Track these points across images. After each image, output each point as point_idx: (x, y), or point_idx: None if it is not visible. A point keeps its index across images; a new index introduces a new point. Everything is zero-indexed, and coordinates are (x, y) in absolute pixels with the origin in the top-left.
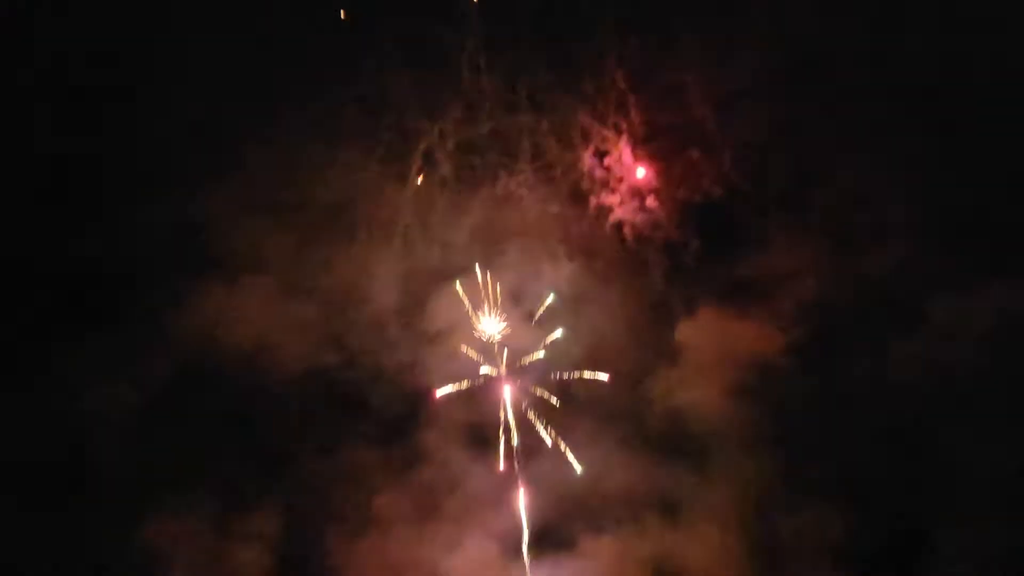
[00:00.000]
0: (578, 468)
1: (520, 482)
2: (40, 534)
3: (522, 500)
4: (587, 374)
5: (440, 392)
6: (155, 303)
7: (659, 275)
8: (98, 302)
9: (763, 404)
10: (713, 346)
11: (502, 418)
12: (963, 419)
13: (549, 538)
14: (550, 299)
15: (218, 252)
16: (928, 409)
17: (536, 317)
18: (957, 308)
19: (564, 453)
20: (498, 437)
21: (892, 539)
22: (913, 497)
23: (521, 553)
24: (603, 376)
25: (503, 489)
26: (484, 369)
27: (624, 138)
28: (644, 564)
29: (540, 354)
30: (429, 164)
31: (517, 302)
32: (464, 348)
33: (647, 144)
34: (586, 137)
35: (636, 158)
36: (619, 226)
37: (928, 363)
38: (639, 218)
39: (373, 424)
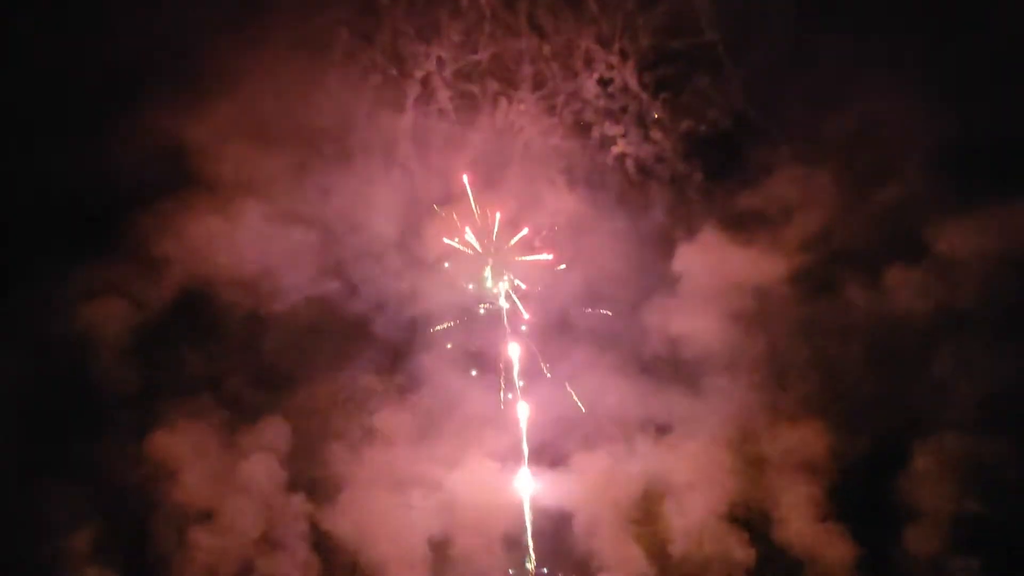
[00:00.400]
0: (582, 408)
1: (519, 406)
2: (47, 451)
3: (523, 421)
4: (588, 309)
5: (437, 328)
6: (147, 226)
7: (661, 206)
8: (90, 225)
9: (760, 331)
10: (711, 274)
11: (502, 350)
12: (952, 345)
13: (545, 457)
14: (542, 226)
15: (208, 176)
16: (919, 336)
17: (535, 246)
18: (958, 240)
19: (565, 385)
20: (497, 361)
21: (871, 456)
22: (895, 417)
23: (518, 470)
24: (605, 311)
25: (502, 411)
26: (482, 308)
27: (630, 64)
28: (634, 480)
29: (540, 281)
30: (426, 91)
31: (517, 232)
32: (468, 284)
33: (654, 70)
34: (590, 63)
35: (642, 86)
36: (622, 157)
37: (924, 293)
38: (643, 150)
39: (374, 349)
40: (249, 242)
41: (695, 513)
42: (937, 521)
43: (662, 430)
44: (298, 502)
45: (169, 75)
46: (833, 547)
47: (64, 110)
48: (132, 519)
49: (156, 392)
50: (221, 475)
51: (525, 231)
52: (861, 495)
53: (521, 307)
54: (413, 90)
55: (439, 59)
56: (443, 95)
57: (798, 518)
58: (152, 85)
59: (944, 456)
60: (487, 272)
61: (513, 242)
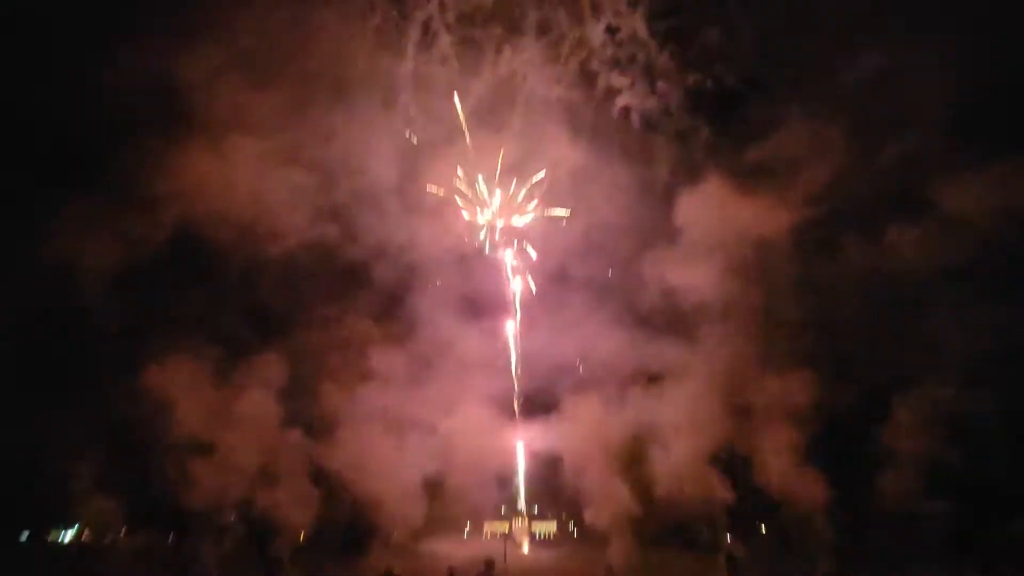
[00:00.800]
0: (580, 369)
1: (515, 353)
2: (42, 382)
3: (515, 368)
4: (587, 259)
5: (437, 282)
6: (139, 163)
7: (665, 159)
8: (81, 160)
9: (757, 283)
10: (712, 226)
11: (501, 288)
12: (946, 301)
13: (538, 403)
14: (544, 176)
15: (203, 114)
16: (915, 291)
17: (535, 196)
18: (960, 197)
19: (558, 330)
20: (494, 309)
21: (856, 406)
22: (884, 370)
23: (512, 414)
24: (604, 264)
25: (497, 357)
26: (482, 235)
27: (639, 12)
28: (625, 426)
29: (537, 231)
30: (427, 36)
31: (518, 181)
32: (465, 232)
33: (664, 20)
34: (597, 10)
35: (652, 34)
36: (627, 110)
37: (923, 250)
38: (649, 102)
39: (371, 293)
40: (244, 182)
41: (681, 456)
42: (912, 468)
43: (654, 378)
44: (295, 438)
45: (163, 10)
46: (809, 490)
47: (56, 44)
48: (134, 450)
49: (149, 328)
50: (218, 410)
51: (542, 173)
52: (842, 443)
53: (531, 282)
54: (414, 33)
55: (441, 1)
56: (444, 40)
57: (778, 463)
58: (146, 19)
59: (926, 407)
60: (483, 234)
61: (519, 190)
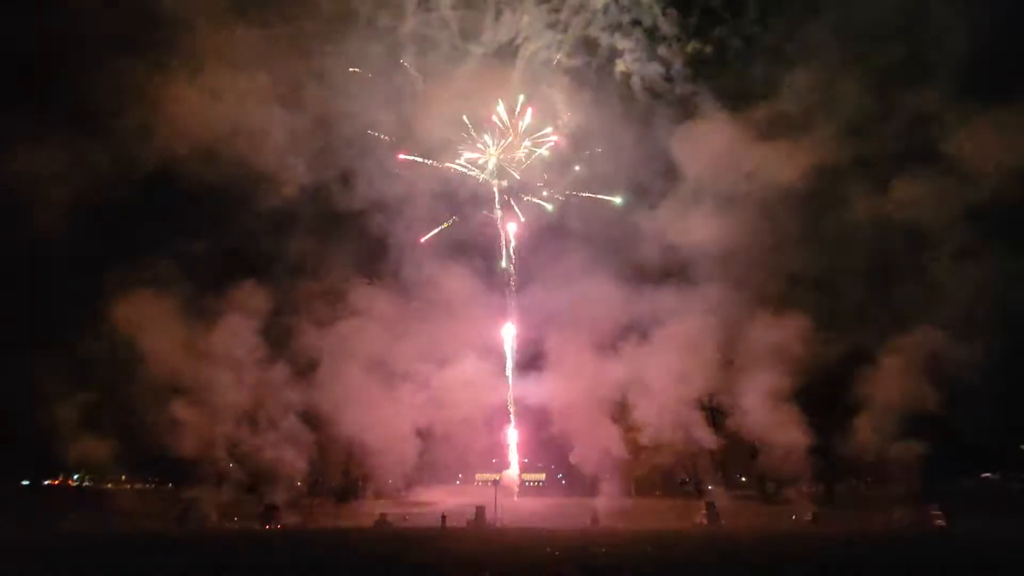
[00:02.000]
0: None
1: (510, 312)
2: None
3: (511, 328)
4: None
5: (427, 235)
6: (114, 94)
7: (666, 123)
8: (48, 86)
9: (757, 235)
10: (710, 183)
11: (499, 243)
12: (950, 249)
13: (532, 357)
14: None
15: (183, 45)
16: (919, 239)
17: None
18: (969, 145)
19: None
20: (488, 261)
21: (846, 354)
22: (871, 323)
23: (504, 369)
24: (600, 221)
25: (491, 310)
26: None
27: None
28: (618, 380)
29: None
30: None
31: (520, 139)
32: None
33: None
34: None
35: None
36: (627, 75)
37: (930, 204)
38: (650, 68)
39: (363, 242)
40: (224, 116)
41: (669, 404)
42: (890, 414)
43: (651, 324)
44: (287, 384)
45: None
46: (788, 435)
47: None
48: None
49: (113, 262)
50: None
51: (549, 130)
52: (827, 390)
53: (518, 210)
54: None
55: None
56: (444, 2)
57: (762, 409)
58: None
59: (913, 357)
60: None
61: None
